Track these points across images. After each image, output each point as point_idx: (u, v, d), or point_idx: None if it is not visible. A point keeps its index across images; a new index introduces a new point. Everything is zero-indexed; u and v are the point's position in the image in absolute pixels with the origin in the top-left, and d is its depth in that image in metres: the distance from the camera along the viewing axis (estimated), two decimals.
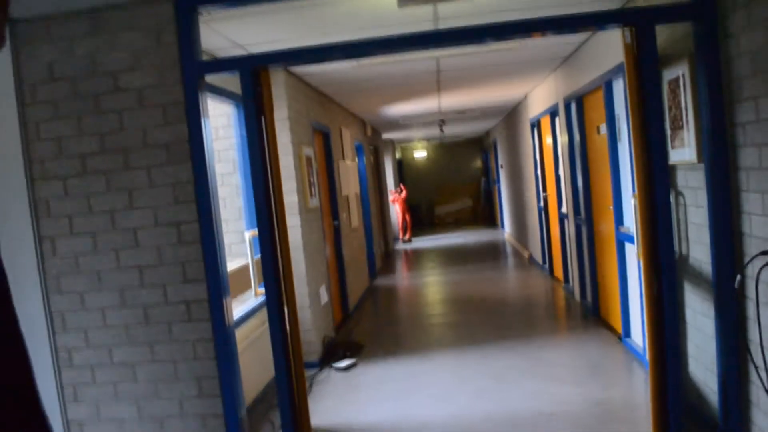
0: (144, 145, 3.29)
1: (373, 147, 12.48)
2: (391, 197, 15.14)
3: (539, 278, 8.85)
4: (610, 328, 5.76)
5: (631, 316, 5.14)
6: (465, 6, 3.93)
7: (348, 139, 8.49)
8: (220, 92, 4.43)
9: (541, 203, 9.12)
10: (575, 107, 6.30)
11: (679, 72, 3.51)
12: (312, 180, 5.90)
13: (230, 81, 4.60)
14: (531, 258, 10.49)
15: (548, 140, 8.34)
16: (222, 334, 3.30)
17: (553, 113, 7.66)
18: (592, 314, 6.36)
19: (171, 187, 3.29)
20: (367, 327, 7.00)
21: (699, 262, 3.54)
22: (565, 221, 7.46)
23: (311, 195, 5.81)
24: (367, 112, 9.59)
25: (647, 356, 4.46)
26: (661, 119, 3.11)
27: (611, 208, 5.33)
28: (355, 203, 8.71)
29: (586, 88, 5.72)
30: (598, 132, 5.72)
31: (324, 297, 6.00)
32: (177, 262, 3.30)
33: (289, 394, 3.38)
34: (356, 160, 9.50)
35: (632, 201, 3.76)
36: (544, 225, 9.10)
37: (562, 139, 7.02)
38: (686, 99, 3.47)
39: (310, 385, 4.98)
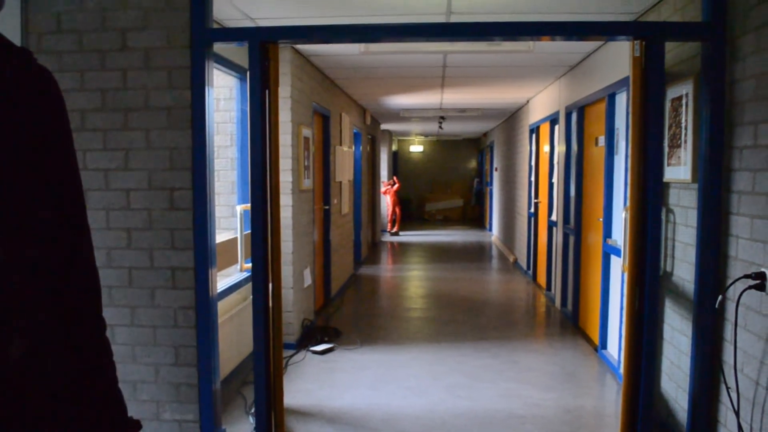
0: (145, 107, 3.28)
1: (371, 136, 12.47)
2: (383, 188, 15.15)
3: (522, 283, 8.90)
4: (587, 339, 5.81)
5: (610, 328, 5.19)
6: (479, 3, 3.93)
7: (347, 125, 8.48)
8: (225, 63, 4.41)
9: (532, 209, 9.17)
10: (576, 117, 6.32)
11: (683, 91, 3.54)
12: (307, 161, 5.90)
13: (236, 53, 4.58)
14: (516, 262, 10.55)
15: (545, 147, 8.37)
16: (205, 304, 3.30)
17: (553, 121, 7.68)
18: (570, 323, 6.41)
19: (168, 152, 3.28)
20: (347, 314, 7.01)
21: (682, 280, 3.58)
22: (554, 229, 7.50)
23: (305, 176, 5.81)
24: (368, 100, 9.57)
25: (622, 368, 4.51)
26: (661, 135, 3.13)
27: (601, 219, 5.36)
28: (348, 190, 8.71)
29: (589, 98, 5.75)
30: (596, 144, 5.76)
31: (307, 279, 6.00)
32: (166, 228, 3.29)
33: (266, 372, 3.38)
34: (353, 147, 9.49)
35: (623, 214, 3.79)
36: (533, 231, 9.15)
37: (560, 147, 7.05)
38: (687, 118, 3.50)
39: (286, 366, 4.99)
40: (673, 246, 3.69)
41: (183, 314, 3.33)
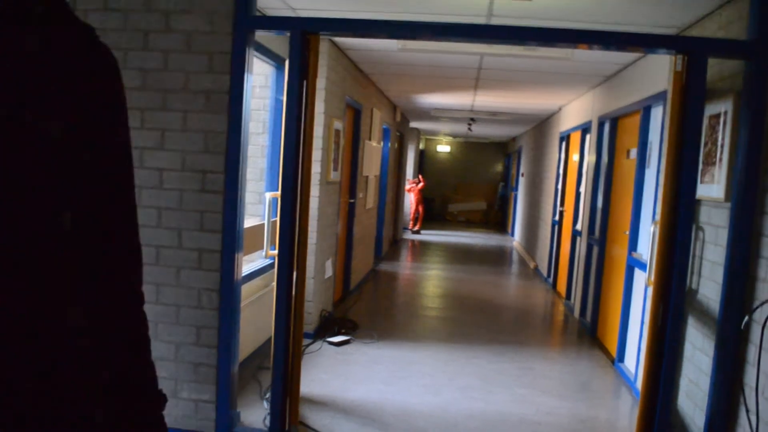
0: (184, 89, 3.32)
1: (400, 133, 12.48)
2: (407, 186, 15.15)
3: (541, 290, 8.86)
4: (605, 350, 5.77)
5: (628, 341, 5.15)
6: (522, 7, 3.92)
7: (377, 120, 8.50)
8: (263, 51, 4.45)
9: (557, 217, 9.11)
10: (609, 127, 6.27)
11: (721, 108, 3.50)
12: (337, 154, 5.93)
13: (274, 42, 4.62)
14: (536, 269, 10.49)
15: (575, 156, 8.31)
16: (229, 287, 3.34)
17: (585, 130, 7.63)
18: (588, 333, 6.37)
19: (203, 135, 3.32)
20: (364, 308, 7.04)
21: (707, 299, 3.55)
22: (578, 239, 7.46)
23: (334, 168, 5.84)
24: (400, 97, 9.58)
25: (639, 383, 4.48)
26: (698, 152, 3.11)
27: (627, 232, 5.32)
28: (374, 185, 8.74)
29: (623, 110, 5.70)
30: (628, 156, 5.71)
31: (329, 270, 6.04)
32: (196, 209, 3.34)
33: (285, 360, 3.42)
34: (382, 142, 9.51)
35: (651, 228, 3.76)
36: (555, 239, 9.10)
37: (590, 157, 7.00)
38: (724, 136, 3.46)
39: (302, 354, 5.03)
40: (701, 264, 3.65)
41: (207, 295, 3.38)
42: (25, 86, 0.86)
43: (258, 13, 3.84)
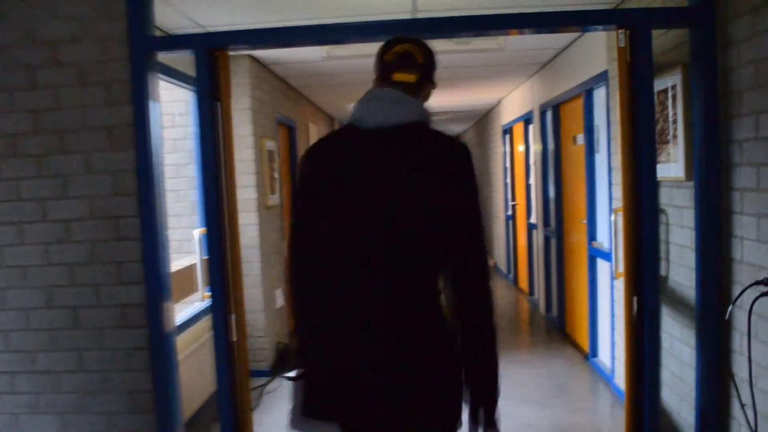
0: (83, 127, 2.93)
1: None
2: None
3: (503, 287, 8.65)
4: (576, 346, 5.56)
5: (600, 335, 4.94)
6: (446, 0, 3.66)
7: (315, 135, 8.16)
8: (177, 75, 4.07)
9: (509, 212, 8.94)
10: (551, 115, 6.10)
11: (669, 83, 3.30)
12: (273, 176, 5.57)
13: (189, 64, 4.24)
14: (495, 266, 10.30)
15: (520, 148, 8.15)
16: (159, 342, 2.95)
17: (527, 120, 7.46)
18: (557, 329, 6.16)
19: (111, 176, 2.93)
20: None
21: (680, 285, 3.33)
22: (534, 232, 7.27)
23: (271, 192, 5.48)
24: (335, 108, 9.26)
25: (618, 380, 4.26)
26: (653, 131, 2.88)
27: (584, 222, 5.12)
28: None
29: (564, 96, 5.52)
30: (575, 142, 5.52)
31: (279, 300, 5.66)
32: (113, 260, 2.94)
33: (232, 410, 3.05)
34: None
35: (612, 217, 3.54)
36: (511, 234, 8.92)
37: (536, 147, 6.82)
38: (676, 112, 3.26)
39: (260, 396, 4.65)
40: (668, 249, 3.44)
41: (137, 355, 2.98)
42: (437, 176, 1.69)
43: (160, 33, 3.48)
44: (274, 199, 5.59)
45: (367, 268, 1.67)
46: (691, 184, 3.11)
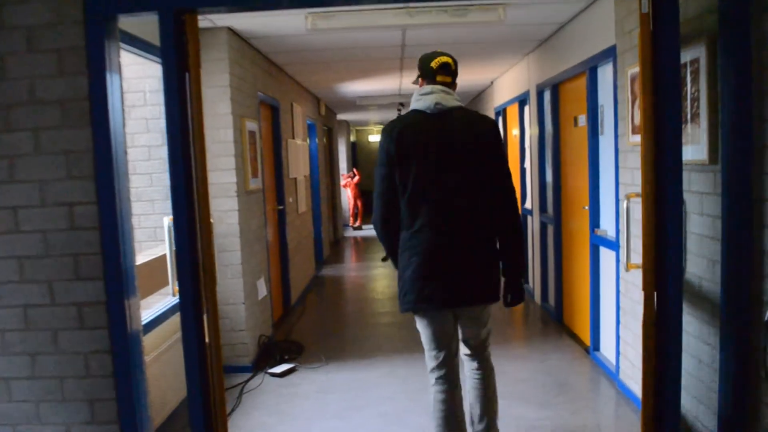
0: (31, 101, 2.57)
1: (327, 127, 11.78)
2: (343, 181, 14.47)
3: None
4: (576, 338, 5.28)
5: (603, 327, 4.65)
6: None
7: (300, 116, 7.79)
8: (148, 48, 3.70)
9: None
10: (550, 96, 5.77)
11: (688, 56, 2.98)
12: (255, 158, 5.21)
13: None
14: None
15: (514, 131, 7.82)
16: (122, 344, 2.62)
17: (522, 102, 7.13)
18: (554, 320, 5.88)
19: (64, 157, 2.58)
20: (309, 324, 6.36)
21: (698, 278, 3.04)
22: (529, 218, 6.97)
23: (253, 175, 5.12)
24: (322, 88, 8.88)
25: (623, 375, 3.98)
26: (679, 108, 2.56)
27: (586, 208, 4.82)
28: (304, 186, 8.03)
29: (565, 74, 5.19)
30: (576, 124, 5.20)
31: (262, 290, 5.33)
32: (68, 253, 2.60)
33: (206, 418, 2.73)
34: (308, 139, 8.80)
35: (624, 204, 3.23)
36: None
37: (532, 130, 6.50)
38: (698, 88, 2.95)
39: (240, 394, 4.33)
40: (685, 238, 3.14)
41: (96, 359, 2.64)
42: (479, 141, 2.78)
43: None
44: (256, 183, 5.23)
45: (448, 202, 2.75)
46: (716, 167, 2.81)
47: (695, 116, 2.99)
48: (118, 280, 2.59)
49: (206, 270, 2.66)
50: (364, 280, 8.83)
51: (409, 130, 2.76)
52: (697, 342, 3.07)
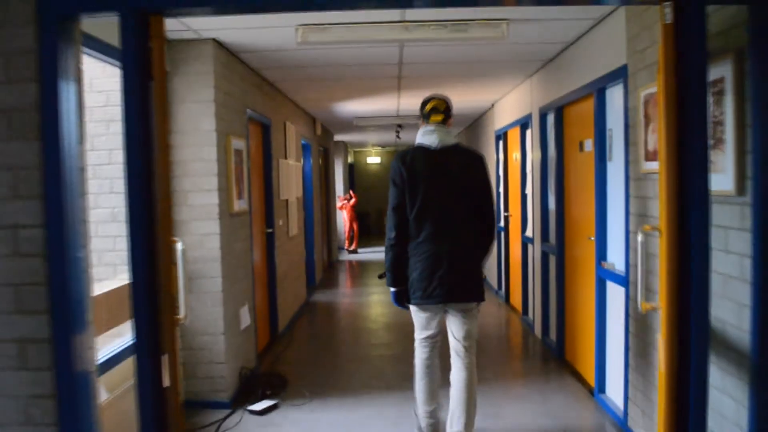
0: None
1: (323, 148, 11.52)
2: (338, 203, 14.18)
3: (493, 305, 8.02)
4: (579, 377, 4.94)
5: (609, 368, 4.32)
6: None
7: (293, 135, 7.51)
8: (108, 50, 3.39)
9: (501, 223, 8.33)
10: (554, 118, 5.50)
11: (717, 74, 2.70)
12: (242, 179, 4.91)
13: None
14: (485, 280, 9.68)
15: (515, 156, 7.55)
16: (69, 387, 2.29)
17: (524, 125, 6.86)
18: (555, 356, 5.54)
19: (8, 173, 2.27)
20: (296, 354, 6.01)
21: (722, 323, 2.72)
22: (530, 246, 6.66)
23: (239, 196, 4.82)
24: (318, 108, 8.63)
25: (632, 422, 3.65)
26: (705, 131, 2.26)
27: (592, 238, 4.51)
28: (296, 208, 7.72)
29: (570, 96, 4.91)
30: (581, 149, 4.92)
31: (245, 320, 5.00)
32: (8, 283, 2.28)
33: None
34: (302, 160, 8.52)
35: (639, 237, 2.92)
36: (503, 247, 8.31)
37: (534, 154, 6.21)
38: (723, 110, 2.66)
39: None
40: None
41: (39, 406, 2.31)
42: (470, 171, 3.53)
43: None
44: (242, 205, 4.93)
45: (447, 218, 3.42)
46: (744, 199, 2.51)
47: (719, 141, 2.70)
48: (65, 313, 2.27)
49: (166, 303, 2.34)
50: (357, 306, 8.48)
51: (417, 160, 3.46)
52: (720, 395, 2.74)
